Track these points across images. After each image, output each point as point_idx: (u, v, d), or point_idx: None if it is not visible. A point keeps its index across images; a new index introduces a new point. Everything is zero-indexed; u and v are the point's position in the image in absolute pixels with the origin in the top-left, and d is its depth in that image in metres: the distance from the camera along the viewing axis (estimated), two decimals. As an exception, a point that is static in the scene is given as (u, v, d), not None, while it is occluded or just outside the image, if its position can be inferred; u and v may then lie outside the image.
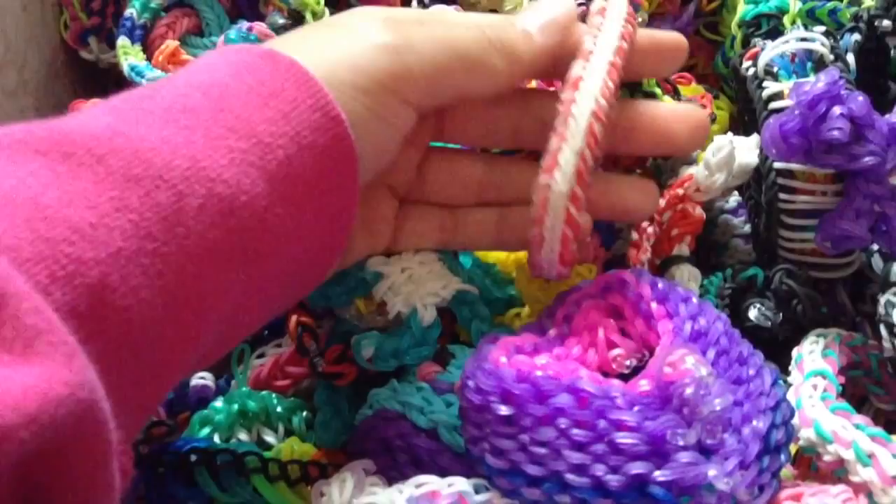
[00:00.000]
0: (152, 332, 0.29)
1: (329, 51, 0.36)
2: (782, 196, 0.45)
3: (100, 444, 0.26)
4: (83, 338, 0.27)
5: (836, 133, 0.41)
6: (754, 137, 0.46)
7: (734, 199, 0.53)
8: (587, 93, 0.38)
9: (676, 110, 0.43)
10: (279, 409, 0.47)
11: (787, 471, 0.39)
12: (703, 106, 0.53)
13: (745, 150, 0.45)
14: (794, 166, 0.45)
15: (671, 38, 0.43)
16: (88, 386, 0.25)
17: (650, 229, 0.48)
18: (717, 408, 0.33)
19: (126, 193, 0.29)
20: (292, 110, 0.34)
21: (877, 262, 0.47)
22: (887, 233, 0.44)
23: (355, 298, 0.45)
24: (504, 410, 0.34)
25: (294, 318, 0.47)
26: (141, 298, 0.29)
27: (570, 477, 0.32)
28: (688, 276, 0.46)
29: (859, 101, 0.41)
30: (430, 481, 0.35)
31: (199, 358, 0.34)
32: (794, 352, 0.43)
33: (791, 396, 0.39)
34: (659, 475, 0.32)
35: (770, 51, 0.48)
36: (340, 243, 0.38)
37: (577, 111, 0.38)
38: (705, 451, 0.32)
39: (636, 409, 0.33)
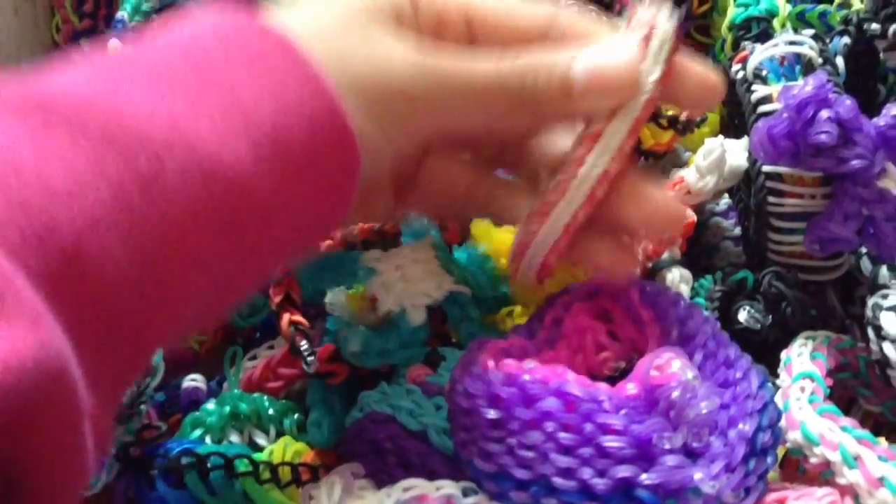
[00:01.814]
0: (130, 300, 0.28)
1: (347, 52, 0.35)
2: (771, 199, 0.46)
3: (69, 413, 0.25)
4: (56, 304, 0.26)
5: (823, 136, 0.42)
6: (744, 140, 0.46)
7: (724, 202, 0.53)
8: (603, 150, 0.35)
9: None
10: (271, 411, 0.47)
11: (774, 473, 0.39)
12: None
13: (736, 153, 0.46)
14: (782, 169, 0.45)
15: (707, 80, 0.37)
16: (55, 352, 0.25)
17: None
18: (704, 411, 0.33)
19: (104, 158, 0.28)
20: (278, 81, 0.32)
21: (865, 264, 0.47)
22: (875, 235, 0.44)
23: (346, 290, 0.46)
24: (492, 414, 0.34)
25: (286, 317, 0.47)
26: (118, 265, 0.28)
27: (557, 480, 0.32)
28: (679, 279, 0.46)
29: (847, 104, 0.42)
30: (418, 485, 0.35)
31: (183, 326, 0.33)
32: (783, 354, 0.43)
33: (779, 399, 0.39)
34: (645, 478, 0.32)
35: (759, 54, 0.48)
36: (336, 217, 0.36)
37: (585, 171, 0.35)
38: (691, 455, 0.33)
39: (623, 412, 0.33)
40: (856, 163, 0.42)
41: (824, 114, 0.42)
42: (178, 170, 0.29)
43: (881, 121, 0.43)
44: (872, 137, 0.42)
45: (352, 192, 0.35)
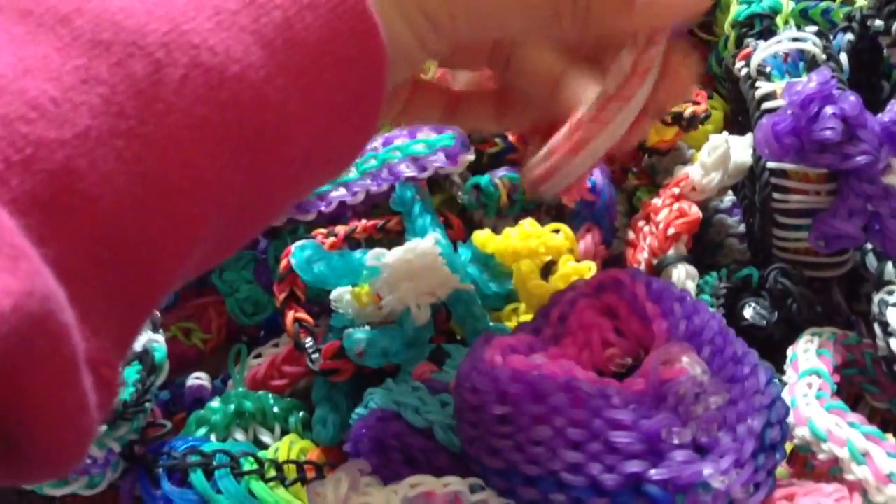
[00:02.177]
0: (132, 226, 0.25)
1: None
2: (776, 196, 0.45)
3: (57, 361, 0.23)
4: (46, 233, 0.23)
5: (828, 133, 0.41)
6: (748, 137, 0.46)
7: (729, 199, 0.53)
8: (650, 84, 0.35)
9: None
10: (276, 409, 0.47)
11: (783, 469, 0.39)
12: (698, 103, 0.53)
13: (741, 149, 0.46)
14: (787, 166, 0.45)
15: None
16: (39, 294, 0.22)
17: (647, 228, 0.48)
18: (712, 406, 0.33)
19: (94, 62, 0.25)
20: None
21: (871, 260, 0.47)
22: (881, 231, 0.44)
23: (351, 287, 0.46)
24: (499, 410, 0.34)
25: (291, 314, 0.47)
26: (116, 187, 0.24)
27: (565, 476, 0.32)
28: (685, 275, 0.46)
29: (851, 100, 0.42)
30: (425, 481, 0.35)
31: (198, 259, 0.29)
32: (789, 351, 0.43)
33: (786, 395, 0.39)
34: (654, 474, 0.32)
35: (763, 51, 0.48)
36: (363, 128, 0.31)
37: (634, 105, 0.35)
38: (700, 450, 0.33)
39: (631, 407, 0.33)
40: (861, 159, 0.42)
41: (829, 110, 0.42)
42: (178, 75, 0.26)
43: (886, 116, 0.43)
44: (877, 133, 0.42)
45: (379, 97, 0.31)
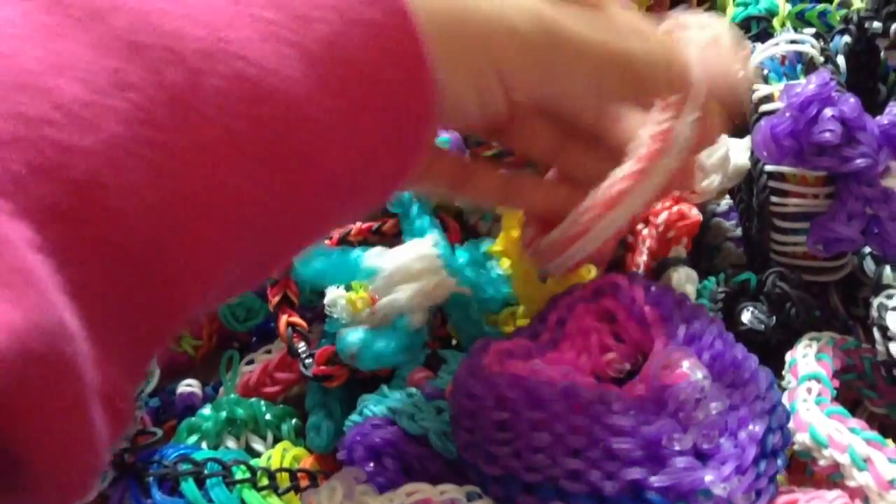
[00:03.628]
0: (157, 244, 0.23)
1: None
2: (774, 199, 0.45)
3: (63, 398, 0.21)
4: (65, 247, 0.22)
5: (827, 135, 0.41)
6: (746, 139, 0.45)
7: (725, 203, 0.53)
8: (676, 150, 0.35)
9: None
10: (268, 416, 0.47)
11: (782, 476, 0.39)
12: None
13: (739, 152, 0.45)
14: (785, 169, 0.45)
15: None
16: (45, 329, 0.20)
17: (646, 231, 0.48)
18: (713, 412, 0.32)
19: (128, 65, 0.23)
20: None
21: (869, 265, 0.47)
22: (879, 235, 0.44)
23: (345, 290, 0.45)
24: (497, 416, 0.33)
25: (284, 318, 0.46)
26: (142, 201, 0.23)
27: (565, 483, 0.32)
28: (685, 279, 0.45)
29: (850, 102, 0.41)
30: (421, 489, 0.34)
31: (222, 287, 0.27)
32: (788, 356, 0.42)
33: (785, 401, 0.39)
34: (655, 480, 0.31)
35: (760, 53, 0.48)
36: (409, 160, 0.29)
37: (661, 167, 0.34)
38: (701, 456, 0.32)
39: (631, 413, 0.32)
40: (860, 161, 0.42)
41: (828, 112, 0.41)
42: (215, 86, 0.24)
43: (885, 119, 0.42)
44: (876, 136, 0.42)
45: (423, 134, 0.29)
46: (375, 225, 0.50)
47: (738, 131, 0.51)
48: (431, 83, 0.28)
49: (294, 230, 0.28)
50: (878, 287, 0.44)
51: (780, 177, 0.45)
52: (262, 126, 0.25)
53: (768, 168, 0.45)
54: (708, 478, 0.31)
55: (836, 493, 0.34)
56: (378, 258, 0.43)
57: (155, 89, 0.23)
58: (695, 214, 0.46)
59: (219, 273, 0.26)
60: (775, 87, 0.46)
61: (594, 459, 0.32)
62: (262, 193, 0.26)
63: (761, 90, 0.46)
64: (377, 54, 0.27)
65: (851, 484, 0.35)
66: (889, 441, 0.37)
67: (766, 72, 0.47)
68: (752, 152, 0.45)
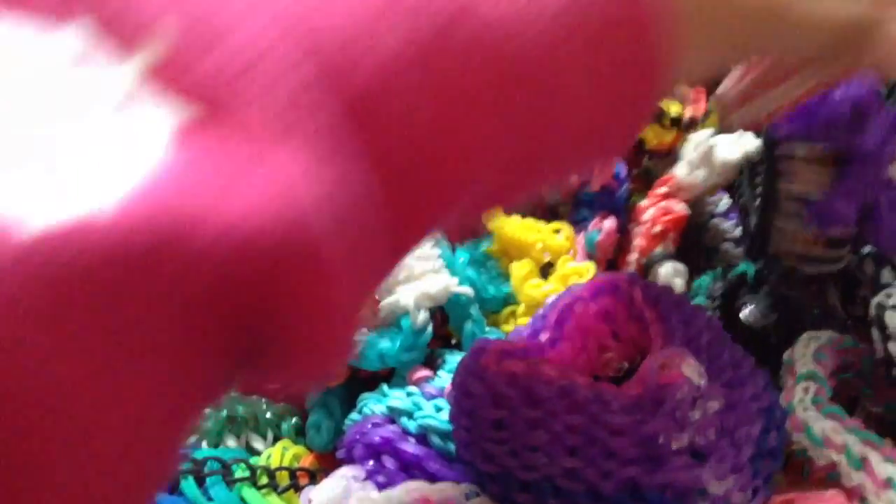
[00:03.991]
0: (424, 162, 0.24)
1: None
2: (782, 182, 0.45)
3: (333, 278, 0.21)
4: (356, 150, 0.22)
5: (838, 115, 0.41)
6: (739, 133, 0.45)
7: (724, 203, 0.53)
8: None
9: None
10: (269, 414, 0.47)
11: (779, 475, 0.39)
12: (697, 103, 0.52)
13: (727, 147, 0.45)
14: (795, 151, 0.45)
15: None
16: (325, 220, 0.20)
17: (636, 230, 0.48)
18: (710, 411, 0.32)
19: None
20: None
21: (868, 264, 0.47)
22: (876, 223, 0.43)
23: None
24: (495, 414, 0.34)
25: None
26: (418, 118, 0.24)
27: (562, 482, 0.32)
28: (673, 273, 0.45)
29: (865, 84, 0.41)
30: (420, 487, 0.34)
31: (467, 205, 0.27)
32: (786, 355, 0.42)
33: (782, 400, 0.39)
34: (651, 479, 0.31)
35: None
36: (636, 115, 0.29)
37: None
38: (698, 455, 0.32)
39: (628, 412, 0.32)
40: (868, 142, 0.41)
41: (841, 92, 0.41)
42: (465, 35, 0.24)
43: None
44: (889, 121, 0.42)
45: (650, 85, 0.29)
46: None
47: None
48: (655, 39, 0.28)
49: (531, 162, 0.28)
50: (878, 286, 0.44)
51: (791, 159, 0.45)
52: (513, 64, 0.25)
53: (777, 152, 0.45)
54: (704, 477, 0.31)
55: (831, 492, 0.34)
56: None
57: (422, 19, 0.24)
58: (680, 209, 0.46)
59: (467, 186, 0.26)
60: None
61: (591, 458, 0.32)
62: (510, 123, 0.26)
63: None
64: (616, 11, 0.27)
65: (848, 484, 0.36)
66: (887, 440, 0.37)
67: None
68: (766, 132, 0.45)
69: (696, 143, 0.45)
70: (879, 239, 0.44)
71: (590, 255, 0.47)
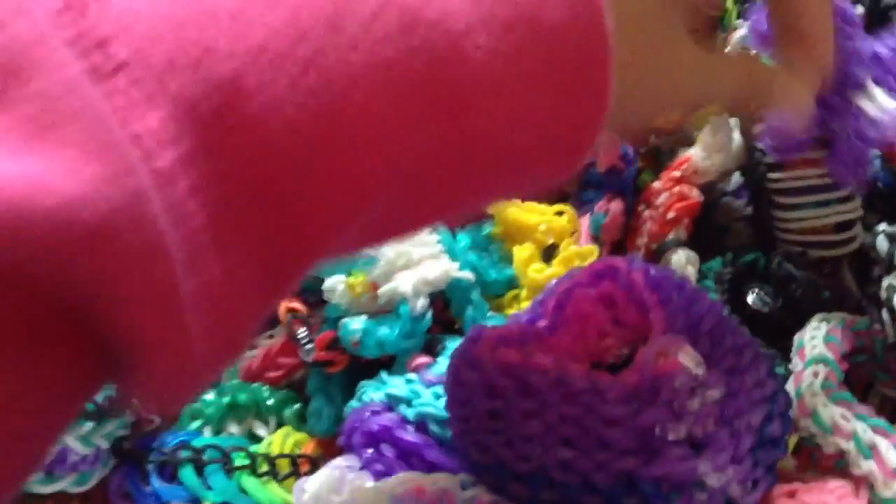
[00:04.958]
0: (297, 164, 0.22)
1: None
2: (771, 175, 0.44)
3: (147, 257, 0.19)
4: (201, 143, 0.20)
5: None
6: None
7: (735, 181, 0.51)
8: None
9: None
10: (270, 401, 0.47)
11: (788, 462, 0.38)
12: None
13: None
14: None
15: None
16: (129, 192, 0.19)
17: (647, 213, 0.47)
18: (709, 400, 0.31)
19: None
20: None
21: (881, 243, 0.45)
22: (835, 154, 0.42)
23: (345, 276, 0.45)
24: (489, 404, 0.33)
25: (284, 304, 0.46)
26: (285, 116, 0.21)
27: (556, 473, 0.31)
28: (685, 261, 0.44)
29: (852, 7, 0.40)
30: (414, 478, 0.34)
31: (363, 229, 0.25)
32: (796, 338, 0.41)
33: (792, 384, 0.38)
34: (648, 471, 0.30)
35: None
36: (595, 114, 0.26)
37: None
38: (696, 446, 0.31)
39: (624, 402, 0.31)
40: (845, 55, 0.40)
41: None
42: (369, 10, 0.23)
43: (883, 44, 0.41)
44: (868, 54, 0.40)
45: (605, 90, 0.26)
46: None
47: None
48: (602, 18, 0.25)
49: (445, 184, 0.26)
50: (890, 266, 0.42)
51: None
52: (413, 57, 0.23)
53: (762, 144, 0.44)
54: (702, 468, 0.30)
55: (837, 482, 0.33)
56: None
57: (306, 6, 0.22)
58: (695, 195, 0.45)
59: (356, 212, 0.24)
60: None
61: (585, 449, 0.31)
62: (410, 132, 0.24)
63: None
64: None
65: (856, 471, 0.34)
66: (899, 426, 0.36)
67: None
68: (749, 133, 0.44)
69: (714, 127, 0.44)
70: (837, 172, 0.42)
71: (595, 238, 0.46)
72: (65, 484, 0.41)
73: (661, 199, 0.45)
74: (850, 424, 0.35)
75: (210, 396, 0.46)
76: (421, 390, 0.40)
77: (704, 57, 0.32)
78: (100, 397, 0.41)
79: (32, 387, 0.20)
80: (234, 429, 0.46)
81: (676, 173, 0.45)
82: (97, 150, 0.19)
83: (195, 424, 0.45)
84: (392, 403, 0.40)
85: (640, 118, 0.32)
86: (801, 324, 0.42)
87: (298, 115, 0.22)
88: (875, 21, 0.49)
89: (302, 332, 0.45)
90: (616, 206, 0.47)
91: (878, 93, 0.40)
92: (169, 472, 0.41)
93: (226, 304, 0.21)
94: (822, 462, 0.37)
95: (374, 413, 0.40)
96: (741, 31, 0.46)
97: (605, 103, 0.26)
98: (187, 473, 0.40)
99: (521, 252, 0.46)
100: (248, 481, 0.40)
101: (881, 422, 0.35)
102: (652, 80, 0.30)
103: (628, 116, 0.30)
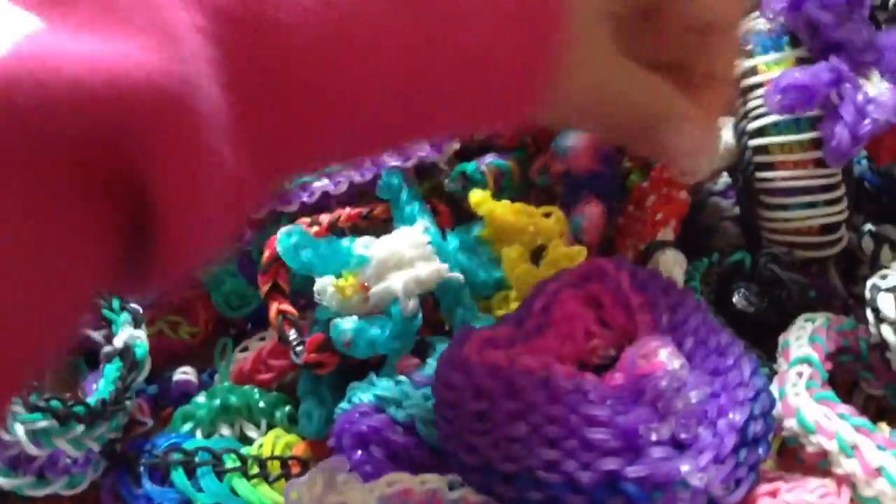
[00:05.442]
0: (311, 66, 0.25)
1: None
2: (759, 175, 0.44)
3: (192, 143, 0.23)
4: (232, 42, 0.23)
5: (822, 15, 0.41)
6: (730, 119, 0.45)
7: (723, 181, 0.52)
8: None
9: None
10: (262, 403, 0.47)
11: (772, 462, 0.38)
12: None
13: (729, 131, 0.44)
14: (771, 140, 0.44)
15: None
16: (180, 79, 0.22)
17: (636, 213, 0.47)
18: (692, 401, 0.32)
19: None
20: None
21: (867, 243, 0.46)
22: (828, 127, 0.42)
23: (336, 278, 0.45)
24: (475, 406, 0.33)
25: (275, 306, 0.46)
26: (301, 19, 0.25)
27: (542, 473, 0.32)
28: (673, 262, 0.45)
29: None
30: (402, 479, 0.34)
31: (361, 132, 0.28)
32: (781, 338, 0.41)
33: (776, 384, 0.38)
34: (631, 471, 0.31)
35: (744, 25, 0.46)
36: (539, 55, 0.29)
37: None
38: (679, 446, 0.32)
39: (609, 403, 0.32)
40: (851, 33, 0.41)
41: None
42: None
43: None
44: (869, 37, 0.41)
45: (555, 26, 0.29)
46: (365, 211, 0.49)
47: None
48: None
49: (429, 98, 0.29)
50: (875, 267, 0.43)
51: (765, 150, 0.44)
52: None
53: (752, 143, 0.44)
54: (684, 468, 0.31)
55: (818, 481, 0.33)
56: (367, 247, 0.43)
57: None
58: (683, 197, 0.45)
59: (357, 109, 0.27)
60: (763, 59, 0.45)
61: (571, 450, 0.31)
62: (402, 43, 0.27)
63: (746, 63, 0.45)
64: None
65: (839, 471, 0.35)
66: (882, 425, 0.37)
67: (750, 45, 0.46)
68: (737, 130, 0.44)
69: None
70: (830, 151, 0.43)
71: (579, 240, 0.46)
72: (57, 487, 0.41)
73: (649, 200, 0.45)
74: (833, 424, 0.35)
75: (201, 399, 0.46)
76: (410, 392, 0.40)
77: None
78: (92, 400, 0.41)
79: (72, 240, 0.22)
80: (225, 431, 0.46)
81: (665, 175, 0.45)
82: (166, 39, 0.22)
83: (186, 427, 0.46)
84: (381, 405, 0.40)
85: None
86: (786, 324, 0.42)
87: (313, 17, 0.25)
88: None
89: (293, 334, 0.45)
90: (593, 208, 0.47)
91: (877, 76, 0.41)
92: (160, 474, 0.41)
93: (235, 185, 0.24)
94: (805, 462, 0.37)
95: (364, 415, 0.40)
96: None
97: (556, 20, 0.29)
98: (178, 476, 0.40)
99: (510, 253, 0.46)
100: (240, 483, 0.41)
101: (864, 421, 0.35)
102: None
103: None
